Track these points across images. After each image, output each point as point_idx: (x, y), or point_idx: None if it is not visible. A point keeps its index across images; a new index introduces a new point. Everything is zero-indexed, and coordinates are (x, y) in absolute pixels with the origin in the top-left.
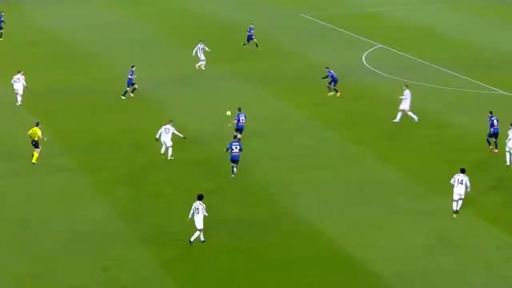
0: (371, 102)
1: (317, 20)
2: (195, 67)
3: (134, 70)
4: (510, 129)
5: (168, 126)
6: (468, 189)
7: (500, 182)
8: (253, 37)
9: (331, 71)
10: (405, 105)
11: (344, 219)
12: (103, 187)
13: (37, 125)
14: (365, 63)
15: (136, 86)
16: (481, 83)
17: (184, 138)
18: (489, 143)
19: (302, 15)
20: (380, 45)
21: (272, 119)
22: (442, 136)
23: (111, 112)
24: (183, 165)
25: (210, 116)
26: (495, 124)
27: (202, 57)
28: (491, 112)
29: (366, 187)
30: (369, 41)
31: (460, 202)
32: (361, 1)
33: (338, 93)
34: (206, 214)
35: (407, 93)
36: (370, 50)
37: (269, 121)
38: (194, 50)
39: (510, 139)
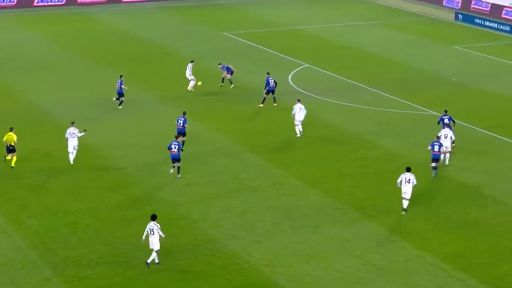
0: (305, 122)
1: (242, 39)
2: (188, 89)
3: (123, 79)
4: (443, 128)
5: (71, 129)
6: (415, 182)
7: (430, 207)
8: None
9: (270, 77)
10: (298, 117)
11: (271, 246)
12: (13, 218)
13: (11, 130)
14: (291, 83)
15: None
16: (410, 103)
17: (85, 130)
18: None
19: (225, 33)
20: (307, 65)
21: (193, 141)
22: (371, 158)
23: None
24: (99, 191)
25: (128, 139)
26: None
27: (191, 77)
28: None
29: (293, 212)
30: (296, 60)
31: (409, 196)
32: (288, 19)
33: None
34: (163, 236)
35: (296, 107)
36: (296, 70)
37: (190, 144)
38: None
39: (441, 137)
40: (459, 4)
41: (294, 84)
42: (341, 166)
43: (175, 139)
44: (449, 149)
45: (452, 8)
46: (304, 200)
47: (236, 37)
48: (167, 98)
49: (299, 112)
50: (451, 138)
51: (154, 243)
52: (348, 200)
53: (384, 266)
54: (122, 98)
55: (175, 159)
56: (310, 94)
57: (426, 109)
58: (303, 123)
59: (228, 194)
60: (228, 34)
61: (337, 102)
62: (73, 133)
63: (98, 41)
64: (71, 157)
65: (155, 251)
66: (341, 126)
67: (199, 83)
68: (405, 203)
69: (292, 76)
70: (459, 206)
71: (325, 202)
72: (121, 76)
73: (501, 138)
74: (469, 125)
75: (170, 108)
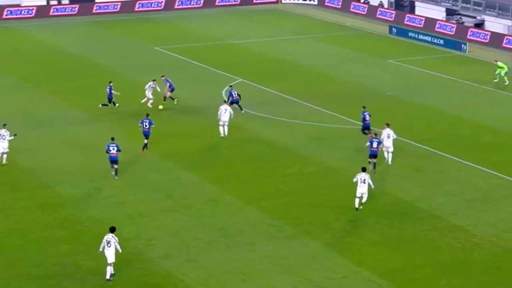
0: (230, 140)
1: (174, 54)
2: (142, 102)
3: (112, 85)
4: (385, 128)
5: (2, 131)
6: (372, 187)
7: (366, 222)
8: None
9: (168, 79)
10: (224, 117)
11: (206, 265)
12: None
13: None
14: (225, 98)
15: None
16: (345, 118)
17: (15, 135)
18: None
19: (157, 48)
20: (240, 79)
21: (125, 159)
22: (308, 174)
23: None
24: (28, 211)
25: (58, 157)
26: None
27: (150, 95)
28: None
29: (228, 230)
30: (229, 75)
31: (365, 196)
32: (221, 33)
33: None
34: (120, 250)
35: (222, 108)
36: (230, 84)
37: (122, 162)
38: (147, 88)
39: (383, 138)
40: (393, 17)
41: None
42: (277, 182)
43: (112, 141)
44: (391, 149)
45: (386, 22)
46: (240, 217)
47: (168, 52)
48: (98, 115)
49: (224, 113)
50: (393, 137)
51: (110, 255)
52: (284, 216)
53: (321, 283)
54: (113, 105)
55: (114, 161)
56: (244, 109)
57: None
58: (229, 127)
59: (161, 212)
60: (160, 49)
61: (272, 117)
62: (3, 135)
63: (24, 56)
64: (5, 156)
65: (109, 264)
66: (276, 141)
67: (160, 107)
68: (357, 202)
69: (226, 91)
70: (395, 221)
71: (261, 219)
72: (110, 82)
73: (436, 152)
74: (404, 139)
75: (100, 125)
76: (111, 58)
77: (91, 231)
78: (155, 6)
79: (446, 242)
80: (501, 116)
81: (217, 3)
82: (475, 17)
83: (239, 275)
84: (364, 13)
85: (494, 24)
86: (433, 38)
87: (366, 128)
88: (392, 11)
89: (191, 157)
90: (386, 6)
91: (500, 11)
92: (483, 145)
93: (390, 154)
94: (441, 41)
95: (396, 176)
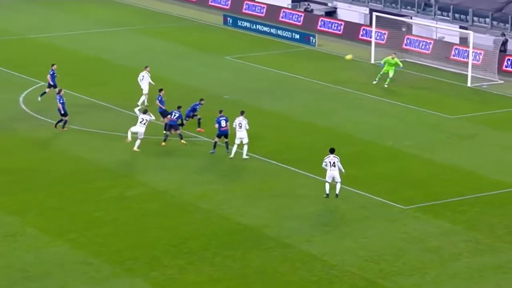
0: (30, 159)
1: None
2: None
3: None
4: (238, 116)
5: None
6: (343, 171)
7: (203, 255)
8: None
9: None
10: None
11: None
12: None
13: None
14: (23, 106)
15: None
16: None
17: None
18: None
19: None
20: (43, 83)
21: None
22: (131, 198)
23: None
24: None
25: None
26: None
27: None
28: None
29: (31, 271)
30: (28, 78)
31: (338, 184)
32: (16, 25)
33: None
34: None
35: None
36: (30, 89)
37: None
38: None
39: (235, 128)
40: (229, 5)
41: (26, 107)
42: (91, 210)
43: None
44: (246, 140)
45: (221, 10)
46: (45, 255)
47: None
48: None
49: None
50: (246, 127)
51: None
52: (102, 252)
53: None
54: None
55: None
56: (47, 120)
57: (197, 136)
58: None
59: None
60: None
61: (84, 128)
62: None
63: None
64: None
65: None
66: (90, 159)
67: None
68: (327, 187)
69: (24, 97)
70: (238, 252)
71: (73, 257)
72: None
73: (286, 167)
74: (248, 153)
75: None
76: None
77: None
78: None
79: (299, 276)
80: (360, 122)
81: None
82: (326, 4)
83: None
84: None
85: (348, 12)
86: (277, 30)
87: (223, 134)
88: None
89: None
90: None
91: None
92: (341, 158)
93: (246, 147)
94: (287, 33)
95: (239, 197)
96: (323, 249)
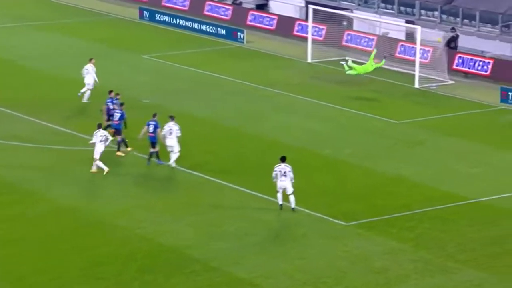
0: None
1: None
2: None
3: None
4: (167, 122)
5: None
6: (292, 181)
7: (118, 280)
8: None
9: None
10: None
11: None
12: None
13: None
14: None
15: None
16: (84, 136)
17: None
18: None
19: None
20: None
21: None
22: (36, 218)
23: None
24: None
25: None
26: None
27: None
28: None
29: None
30: None
31: (292, 197)
32: None
33: None
34: None
35: None
36: None
37: None
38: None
39: (164, 135)
40: None
41: None
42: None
43: None
44: (177, 148)
45: (136, 3)
46: None
47: None
48: None
49: None
50: (177, 134)
51: None
52: (2, 277)
53: None
54: None
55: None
56: None
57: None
58: None
59: None
60: None
61: None
62: None
63: None
64: None
65: None
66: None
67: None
68: (279, 198)
69: None
70: (159, 276)
71: None
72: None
73: (212, 180)
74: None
75: None
76: None
77: None
78: None
79: None
80: (291, 127)
81: None
82: None
83: None
84: None
85: (282, 5)
86: (200, 25)
87: (150, 141)
88: None
89: None
90: None
91: None
92: (272, 168)
93: (175, 156)
94: (212, 29)
95: (161, 214)
96: (254, 272)
